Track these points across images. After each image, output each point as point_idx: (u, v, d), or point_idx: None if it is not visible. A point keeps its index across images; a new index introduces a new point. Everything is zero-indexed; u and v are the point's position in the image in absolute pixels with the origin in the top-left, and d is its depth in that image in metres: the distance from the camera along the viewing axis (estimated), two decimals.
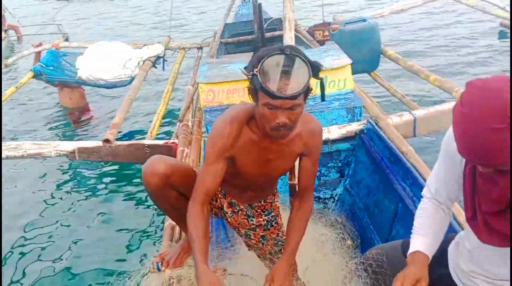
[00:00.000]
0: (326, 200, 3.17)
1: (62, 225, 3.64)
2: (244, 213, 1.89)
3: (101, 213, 3.78)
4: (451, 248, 1.64)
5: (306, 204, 1.79)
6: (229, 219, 1.92)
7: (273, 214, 1.93)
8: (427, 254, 1.47)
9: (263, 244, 1.95)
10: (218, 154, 1.60)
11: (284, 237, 1.92)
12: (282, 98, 1.41)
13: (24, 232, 3.59)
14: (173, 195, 1.73)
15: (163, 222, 2.63)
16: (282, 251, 1.87)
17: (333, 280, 2.03)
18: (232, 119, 1.61)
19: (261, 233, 1.93)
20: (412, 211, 2.26)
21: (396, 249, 1.81)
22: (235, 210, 1.88)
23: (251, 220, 1.90)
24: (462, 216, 1.98)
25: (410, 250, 1.49)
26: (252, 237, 1.94)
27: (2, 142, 3.34)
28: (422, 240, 1.50)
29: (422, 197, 1.63)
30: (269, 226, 1.93)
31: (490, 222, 1.35)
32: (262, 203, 1.90)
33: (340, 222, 2.87)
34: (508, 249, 1.34)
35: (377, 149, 2.79)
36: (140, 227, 3.53)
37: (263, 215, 1.90)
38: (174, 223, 2.10)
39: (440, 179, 1.54)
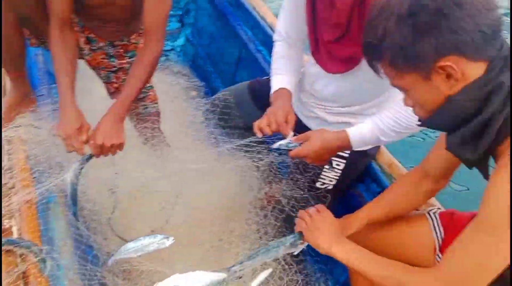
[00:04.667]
0: (167, 53, 3.03)
1: None
2: (104, 52, 1.74)
3: None
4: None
5: (151, 49, 1.53)
6: (86, 58, 1.75)
7: None
8: (290, 90, 1.50)
9: None
10: None
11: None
12: None
13: None
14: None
15: None
16: None
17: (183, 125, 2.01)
18: None
19: (123, 77, 1.79)
20: (255, 55, 2.31)
21: (243, 91, 1.84)
22: (93, 48, 1.72)
23: (113, 61, 1.75)
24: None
25: (274, 89, 1.50)
26: (113, 80, 1.81)
27: None
28: (283, 79, 1.52)
29: (273, 42, 1.61)
30: None
31: (332, 50, 1.42)
32: (125, 42, 1.73)
33: (184, 73, 2.81)
34: (346, 77, 1.45)
35: None
36: None
37: (126, 57, 1.76)
38: None
39: (287, 19, 1.54)
